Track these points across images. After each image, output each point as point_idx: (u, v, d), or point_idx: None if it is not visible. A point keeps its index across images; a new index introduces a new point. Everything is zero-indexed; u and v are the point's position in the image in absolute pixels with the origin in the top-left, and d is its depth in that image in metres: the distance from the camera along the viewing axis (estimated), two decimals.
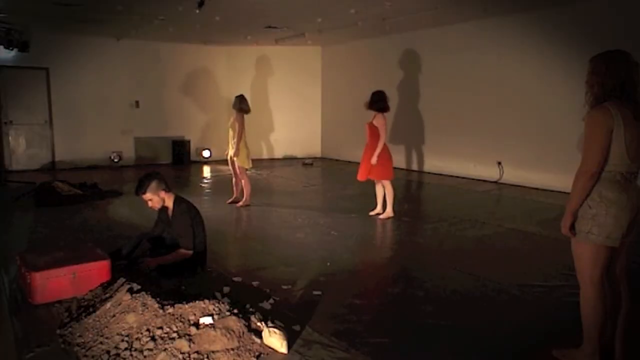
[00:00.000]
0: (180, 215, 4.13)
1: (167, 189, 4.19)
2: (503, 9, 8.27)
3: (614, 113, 2.40)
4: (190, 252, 4.08)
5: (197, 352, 2.67)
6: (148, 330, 2.81)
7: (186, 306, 2.94)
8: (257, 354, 2.75)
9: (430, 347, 2.95)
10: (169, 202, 4.21)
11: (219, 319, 2.85)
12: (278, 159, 13.22)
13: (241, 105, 6.88)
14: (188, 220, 4.11)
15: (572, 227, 2.55)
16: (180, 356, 2.64)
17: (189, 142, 12.45)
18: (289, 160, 13.12)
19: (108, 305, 3.10)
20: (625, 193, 2.44)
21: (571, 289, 3.57)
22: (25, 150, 10.91)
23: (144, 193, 4.09)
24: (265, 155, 13.21)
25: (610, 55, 2.50)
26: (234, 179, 7.21)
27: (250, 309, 3.19)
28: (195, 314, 2.88)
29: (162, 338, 2.74)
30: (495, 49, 8.94)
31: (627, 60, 2.46)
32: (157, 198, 4.13)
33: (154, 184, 4.10)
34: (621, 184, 2.45)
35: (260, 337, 2.84)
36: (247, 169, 7.04)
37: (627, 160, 2.43)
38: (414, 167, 10.78)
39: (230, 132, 6.91)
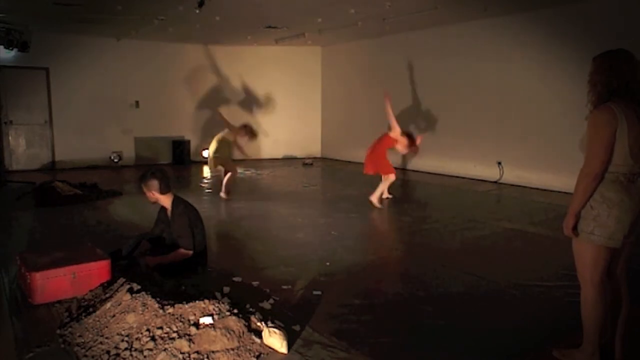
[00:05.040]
0: (178, 216, 4.15)
1: (166, 190, 4.21)
2: (503, 9, 8.27)
3: (617, 113, 2.38)
4: (190, 252, 4.09)
5: (197, 352, 2.67)
6: (148, 330, 2.81)
7: (186, 306, 2.93)
8: (257, 354, 2.75)
9: (430, 347, 2.95)
10: (168, 203, 4.23)
11: (219, 319, 2.85)
12: (278, 159, 13.21)
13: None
14: (186, 220, 4.12)
15: (575, 228, 2.54)
16: (180, 356, 2.64)
17: (189, 142, 12.45)
18: (289, 160, 13.11)
19: (108, 305, 3.10)
20: (628, 194, 2.43)
21: (571, 289, 3.58)
22: (25, 150, 10.91)
23: (144, 185, 4.21)
24: (265, 155, 13.21)
25: (615, 54, 2.48)
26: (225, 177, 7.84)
27: (250, 309, 3.19)
28: (195, 314, 2.88)
29: (162, 338, 2.74)
30: (496, 49, 8.94)
31: (631, 59, 2.44)
32: (151, 195, 4.21)
33: (151, 182, 4.16)
34: (624, 185, 2.43)
35: (260, 337, 2.84)
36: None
37: (630, 160, 2.41)
38: (414, 167, 10.78)
39: (226, 149, 7.84)
